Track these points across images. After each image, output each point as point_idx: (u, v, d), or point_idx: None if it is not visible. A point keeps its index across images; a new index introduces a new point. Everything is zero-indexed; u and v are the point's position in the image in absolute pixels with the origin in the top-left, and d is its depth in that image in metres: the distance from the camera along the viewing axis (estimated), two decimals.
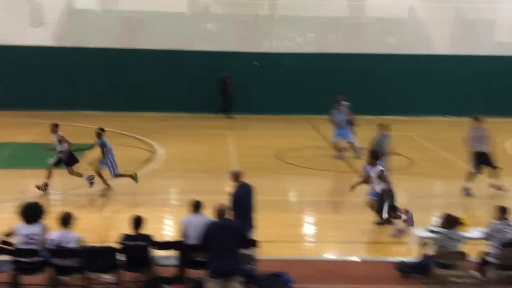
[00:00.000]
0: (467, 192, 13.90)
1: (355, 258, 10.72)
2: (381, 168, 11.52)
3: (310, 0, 26.28)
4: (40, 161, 15.09)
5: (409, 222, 11.23)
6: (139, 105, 24.14)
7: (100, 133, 14.04)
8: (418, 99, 24.58)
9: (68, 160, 13.82)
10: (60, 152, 13.74)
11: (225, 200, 9.24)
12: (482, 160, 13.95)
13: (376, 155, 11.82)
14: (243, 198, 9.59)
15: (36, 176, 14.39)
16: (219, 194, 11.22)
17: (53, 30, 25.50)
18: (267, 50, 25.71)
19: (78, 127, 21.23)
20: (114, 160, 13.93)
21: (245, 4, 26.18)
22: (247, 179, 9.91)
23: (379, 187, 11.36)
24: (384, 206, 11.28)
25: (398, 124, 22.41)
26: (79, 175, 13.86)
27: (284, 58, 25.14)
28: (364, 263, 10.52)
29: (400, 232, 11.16)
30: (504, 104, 23.95)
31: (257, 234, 9.69)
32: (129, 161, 16.63)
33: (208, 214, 8.74)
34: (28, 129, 20.58)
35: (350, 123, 17.52)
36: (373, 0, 26.31)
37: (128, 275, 8.61)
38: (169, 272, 8.87)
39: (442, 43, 26.32)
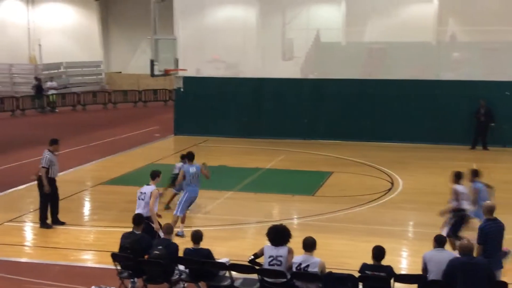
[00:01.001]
0: None
1: None
2: None
3: None
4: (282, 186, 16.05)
5: None
6: (383, 135, 24.39)
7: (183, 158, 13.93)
8: None
9: None
10: None
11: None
12: None
13: None
14: (493, 234, 9.16)
15: (278, 201, 15.34)
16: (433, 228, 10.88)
17: (301, 63, 27.07)
18: None
19: (318, 155, 22.25)
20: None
21: (493, 32, 24.96)
22: (496, 215, 9.47)
23: None
24: None
25: None
26: None
27: None
28: None
29: None
30: None
31: (505, 275, 9.20)
32: (369, 190, 16.91)
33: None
34: (273, 156, 21.97)
35: None
36: None
37: None
38: None
39: None
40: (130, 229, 9.96)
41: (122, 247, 9.73)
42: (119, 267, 9.75)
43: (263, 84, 25.89)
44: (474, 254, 8.45)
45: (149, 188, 11.52)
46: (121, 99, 37.53)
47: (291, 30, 26.65)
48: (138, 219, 9.98)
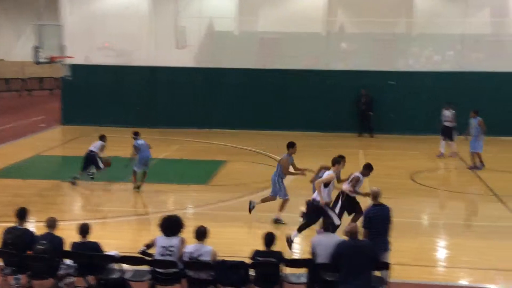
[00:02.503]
0: None
1: (491, 286, 10.26)
2: None
3: (448, 18, 25.55)
4: (177, 176, 16.02)
5: None
6: (277, 124, 24.75)
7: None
8: None
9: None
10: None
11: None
12: None
13: None
14: (376, 219, 9.52)
15: (172, 191, 15.21)
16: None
17: (195, 52, 26.91)
18: (403, 69, 25.32)
19: (212, 144, 22.26)
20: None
21: (381, 23, 25.96)
22: (381, 200, 9.84)
23: None
24: None
25: None
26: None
27: (421, 76, 24.64)
28: None
29: None
30: None
31: (390, 256, 9.59)
32: (262, 178, 17.09)
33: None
34: (167, 146, 21.74)
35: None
36: None
37: None
38: None
39: None
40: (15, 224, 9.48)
41: (4, 242, 9.25)
42: (1, 264, 9.27)
43: (156, 73, 25.55)
44: (360, 238, 8.77)
45: (326, 173, 11.68)
46: (3, 88, 35.65)
47: (184, 18, 26.40)
48: (22, 213, 9.51)
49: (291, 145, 13.30)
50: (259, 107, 25.04)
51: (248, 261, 8.85)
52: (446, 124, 20.24)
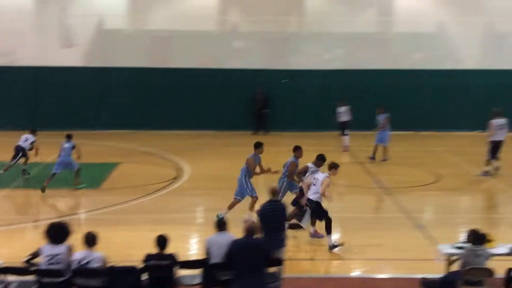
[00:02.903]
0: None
1: (382, 275, 10.61)
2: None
3: (337, 17, 26.27)
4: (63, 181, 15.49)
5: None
6: (170, 124, 24.45)
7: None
8: (447, 114, 24.33)
9: None
10: None
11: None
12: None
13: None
14: (269, 215, 9.55)
15: (62, 196, 14.64)
16: (246, 212, 11.23)
17: (83, 51, 26.04)
18: (295, 67, 25.78)
19: (103, 146, 21.64)
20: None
21: (273, 22, 26.31)
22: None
23: None
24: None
25: (427, 139, 22.36)
26: None
27: (312, 74, 25.19)
28: (391, 280, 10.41)
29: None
30: None
31: (286, 251, 9.69)
32: (155, 179, 16.81)
33: (237, 233, 8.74)
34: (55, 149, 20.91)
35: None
36: (401, 16, 26.14)
37: None
38: None
39: (471, 57, 26.03)
40: None
41: None
42: None
43: (42, 73, 24.45)
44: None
45: (322, 175, 11.78)
46: None
47: (71, 15, 25.44)
48: None
49: (258, 145, 13.27)
50: (151, 107, 24.58)
51: (140, 265, 8.63)
52: (342, 119, 21.18)
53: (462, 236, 9.66)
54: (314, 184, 11.82)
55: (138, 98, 24.74)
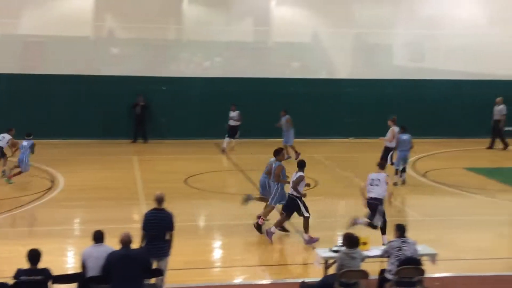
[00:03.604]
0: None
1: (263, 281, 10.74)
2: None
3: (216, 25, 26.41)
4: None
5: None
6: (43, 133, 23.22)
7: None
8: (322, 122, 25.18)
9: None
10: None
11: (131, 228, 9.04)
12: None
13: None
14: (152, 223, 9.34)
15: None
16: (125, 223, 10.98)
17: None
18: (175, 74, 25.58)
19: None
20: None
21: (152, 29, 25.96)
22: (152, 206, 9.71)
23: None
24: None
25: (304, 147, 22.99)
26: None
27: (192, 82, 25.15)
28: (271, 285, 10.58)
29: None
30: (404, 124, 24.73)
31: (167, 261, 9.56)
32: (28, 190, 16.03)
33: (114, 244, 8.48)
34: None
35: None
36: (278, 26, 26.74)
37: None
38: None
39: (344, 67, 27.13)
40: None
41: None
42: None
43: None
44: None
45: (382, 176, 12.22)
46: None
47: None
48: None
49: (278, 152, 13.21)
50: (21, 115, 23.17)
51: (11, 281, 8.15)
52: (232, 123, 22.27)
53: (339, 240, 9.99)
54: (377, 185, 12.09)
55: (8, 106, 23.43)
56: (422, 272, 9.24)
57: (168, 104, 24.53)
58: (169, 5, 25.93)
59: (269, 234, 12.48)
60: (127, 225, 9.36)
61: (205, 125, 24.44)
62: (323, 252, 9.99)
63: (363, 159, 20.96)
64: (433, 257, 10.11)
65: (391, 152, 17.78)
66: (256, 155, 20.94)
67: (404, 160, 17.75)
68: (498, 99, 23.89)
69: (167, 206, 9.72)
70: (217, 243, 13.28)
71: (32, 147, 16.90)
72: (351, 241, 9.20)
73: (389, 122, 18.25)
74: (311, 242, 12.20)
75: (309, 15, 26.95)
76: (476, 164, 20.80)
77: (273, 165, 13.07)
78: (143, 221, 9.45)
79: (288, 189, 12.60)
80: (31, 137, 17.07)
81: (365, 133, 24.84)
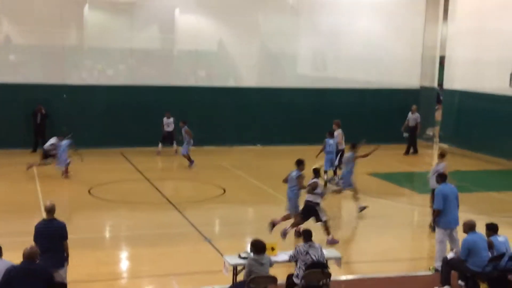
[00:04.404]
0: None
1: None
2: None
3: (119, 32, 25.87)
4: None
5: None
6: None
7: None
8: (228, 129, 25.22)
9: None
10: None
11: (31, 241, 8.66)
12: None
13: None
14: (42, 234, 9.00)
15: None
16: (26, 236, 10.43)
17: None
18: (76, 82, 24.79)
19: None
20: None
21: (51, 35, 24.99)
22: (58, 218, 9.33)
23: None
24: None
25: (211, 155, 22.99)
26: None
27: (94, 90, 24.48)
28: None
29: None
30: (305, 132, 25.23)
31: (68, 274, 9.21)
32: None
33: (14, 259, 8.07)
34: None
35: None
36: (184, 33, 26.56)
37: None
38: None
39: (250, 76, 27.30)
40: None
41: None
42: None
43: None
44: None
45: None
46: None
47: None
48: None
49: (300, 163, 13.51)
50: None
51: None
52: (167, 129, 23.04)
53: (247, 246, 10.01)
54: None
55: None
56: (328, 275, 9.42)
57: (70, 113, 23.72)
58: (70, 11, 25.07)
59: (284, 233, 12.92)
60: (27, 238, 8.89)
61: (109, 134, 23.86)
62: (231, 259, 9.97)
63: (269, 166, 21.21)
64: (338, 261, 10.33)
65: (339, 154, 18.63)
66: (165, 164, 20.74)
67: (331, 163, 18.58)
68: (414, 107, 24.91)
69: (71, 217, 9.41)
70: (123, 254, 12.97)
71: None
72: (258, 247, 9.25)
73: (334, 126, 19.25)
74: (333, 243, 12.73)
75: (214, 23, 27.02)
76: (379, 169, 21.49)
77: (292, 174, 13.43)
78: (34, 233, 9.08)
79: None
80: None
81: (272, 141, 25.19)
